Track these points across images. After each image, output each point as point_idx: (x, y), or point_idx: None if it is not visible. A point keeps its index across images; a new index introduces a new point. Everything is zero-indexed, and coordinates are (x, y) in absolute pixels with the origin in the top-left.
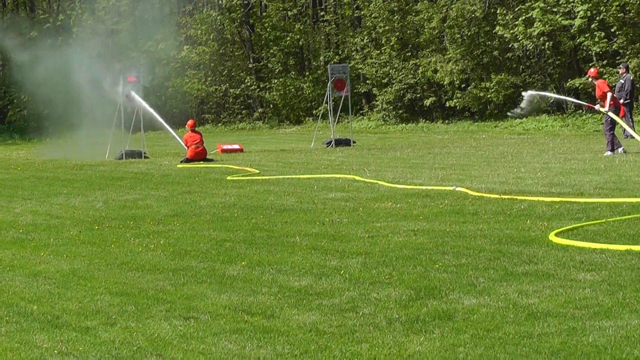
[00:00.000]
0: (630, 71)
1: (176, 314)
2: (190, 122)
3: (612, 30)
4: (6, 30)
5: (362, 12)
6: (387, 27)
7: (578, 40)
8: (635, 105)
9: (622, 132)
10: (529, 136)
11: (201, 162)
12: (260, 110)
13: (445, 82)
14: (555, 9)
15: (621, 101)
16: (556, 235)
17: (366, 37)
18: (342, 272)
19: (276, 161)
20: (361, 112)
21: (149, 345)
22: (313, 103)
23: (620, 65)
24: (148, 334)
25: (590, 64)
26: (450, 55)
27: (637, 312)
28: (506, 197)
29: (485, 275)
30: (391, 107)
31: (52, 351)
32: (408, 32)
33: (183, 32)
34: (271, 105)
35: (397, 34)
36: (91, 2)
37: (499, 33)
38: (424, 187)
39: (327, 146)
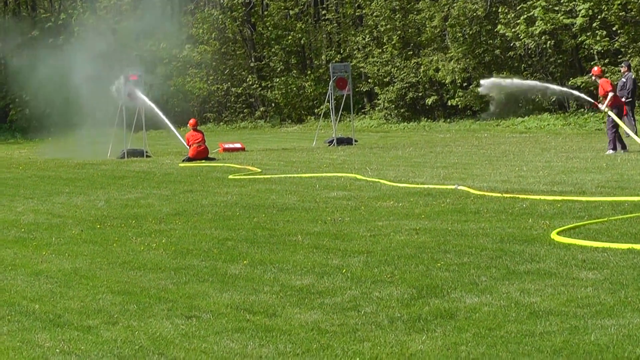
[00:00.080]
0: (632, 70)
1: (178, 313)
2: (192, 121)
3: (614, 28)
4: (7, 30)
5: (364, 11)
6: (388, 26)
7: (580, 39)
8: (637, 104)
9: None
10: (531, 135)
11: (203, 161)
12: (262, 109)
13: (447, 81)
14: (556, 8)
15: (623, 100)
16: (558, 234)
17: (368, 36)
18: (344, 270)
19: (278, 160)
20: (363, 110)
21: (151, 344)
22: (315, 102)
23: (622, 64)
24: (150, 333)
25: (592, 63)
26: (452, 54)
27: (639, 311)
28: (508, 195)
29: (487, 274)
30: (393, 105)
31: (54, 350)
32: (410, 30)
33: (185, 31)
34: (273, 104)
35: (399, 32)
36: (92, 1)
37: (501, 32)
38: (425, 186)
39: (329, 145)
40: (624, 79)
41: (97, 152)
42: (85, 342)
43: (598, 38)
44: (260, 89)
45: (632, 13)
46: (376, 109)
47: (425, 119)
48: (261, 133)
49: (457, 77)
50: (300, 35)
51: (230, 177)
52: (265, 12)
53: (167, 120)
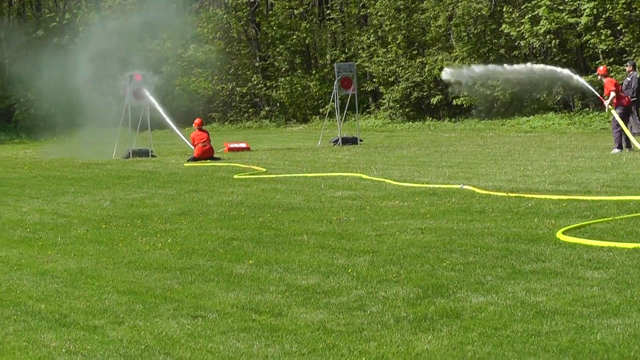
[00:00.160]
0: (637, 69)
1: (184, 313)
2: (197, 120)
3: (619, 28)
4: (12, 30)
5: (369, 11)
6: (393, 26)
7: (584, 38)
8: None
9: (630, 129)
10: (536, 134)
11: (208, 160)
12: (267, 108)
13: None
14: (561, 7)
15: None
16: (563, 233)
17: (372, 36)
18: (350, 270)
19: (283, 160)
20: (368, 110)
21: (157, 344)
22: (320, 101)
23: (627, 63)
24: (156, 332)
25: (597, 62)
26: (456, 54)
27: None
28: (513, 195)
29: (493, 274)
30: (398, 105)
31: (60, 350)
32: (414, 30)
33: (189, 31)
34: (278, 104)
35: (404, 32)
36: (97, 0)
37: (505, 31)
38: (431, 186)
39: (334, 144)
40: (629, 78)
41: (102, 152)
42: (91, 342)
43: (603, 37)
44: (265, 88)
45: (637, 12)
46: (381, 108)
47: (430, 119)
48: (266, 133)
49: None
50: (304, 35)
51: (236, 176)
52: (270, 12)
53: (170, 122)
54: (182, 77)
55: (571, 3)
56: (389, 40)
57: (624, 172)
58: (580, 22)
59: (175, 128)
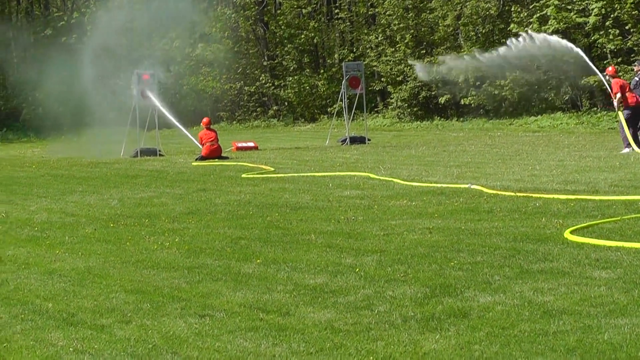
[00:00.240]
0: None
1: (191, 312)
2: (205, 119)
3: (627, 27)
4: (20, 29)
5: (377, 10)
6: (401, 25)
7: (592, 38)
8: None
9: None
10: (544, 134)
11: (216, 159)
12: (274, 108)
13: (459, 80)
14: (569, 7)
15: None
16: (571, 232)
17: (381, 35)
18: (358, 269)
19: (291, 159)
20: (376, 109)
21: (165, 343)
22: (328, 101)
23: (635, 63)
24: (163, 331)
25: (605, 62)
26: (464, 53)
27: None
28: (521, 194)
29: (501, 273)
30: (406, 104)
31: (68, 349)
32: (422, 29)
33: (197, 30)
34: (286, 103)
35: (412, 31)
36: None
37: (514, 31)
38: (439, 185)
39: (342, 144)
40: (637, 78)
41: (110, 151)
42: (99, 341)
43: (611, 37)
44: (273, 87)
45: None
46: (389, 107)
47: (438, 118)
48: (274, 132)
49: (469, 76)
50: (313, 34)
51: (244, 175)
52: (278, 11)
53: (177, 122)
54: (190, 76)
55: (579, 3)
56: (397, 39)
57: (632, 172)
58: (588, 22)
59: (182, 128)
